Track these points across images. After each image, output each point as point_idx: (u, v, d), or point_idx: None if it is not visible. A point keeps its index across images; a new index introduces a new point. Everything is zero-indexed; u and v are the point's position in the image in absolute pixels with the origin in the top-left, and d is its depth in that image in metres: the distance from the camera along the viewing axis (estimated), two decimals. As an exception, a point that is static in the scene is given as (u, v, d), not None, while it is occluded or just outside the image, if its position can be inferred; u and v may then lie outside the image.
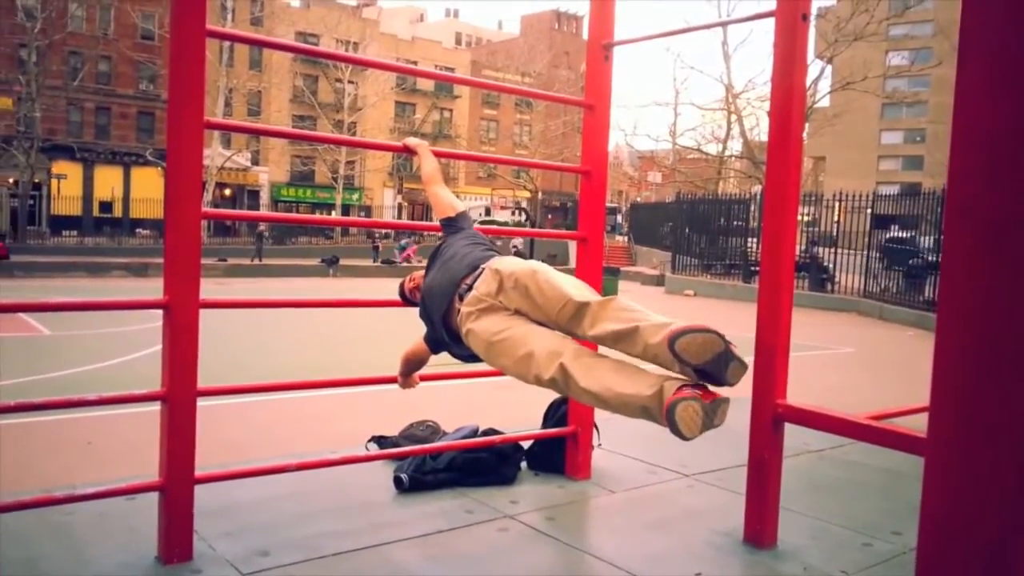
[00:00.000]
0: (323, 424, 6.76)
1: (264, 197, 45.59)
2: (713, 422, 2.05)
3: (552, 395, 3.93)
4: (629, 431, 4.53)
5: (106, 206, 39.28)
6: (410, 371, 3.02)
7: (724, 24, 32.61)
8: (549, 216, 55.31)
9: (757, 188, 28.42)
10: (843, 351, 13.22)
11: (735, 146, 35.37)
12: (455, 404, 5.97)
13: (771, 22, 3.12)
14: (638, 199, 59.24)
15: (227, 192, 42.71)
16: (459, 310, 2.49)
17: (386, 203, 49.63)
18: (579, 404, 3.82)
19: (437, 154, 3.29)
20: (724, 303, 20.64)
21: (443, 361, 2.89)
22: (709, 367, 2.05)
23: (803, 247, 21.59)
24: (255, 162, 45.18)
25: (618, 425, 4.53)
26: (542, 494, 3.77)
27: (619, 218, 52.00)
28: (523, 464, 4.08)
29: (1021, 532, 1.34)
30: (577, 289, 2.33)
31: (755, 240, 22.62)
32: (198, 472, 2.88)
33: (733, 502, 3.47)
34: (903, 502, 3.73)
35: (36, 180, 35.07)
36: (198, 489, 2.87)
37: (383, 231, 38.35)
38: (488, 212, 47.85)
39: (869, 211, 20.36)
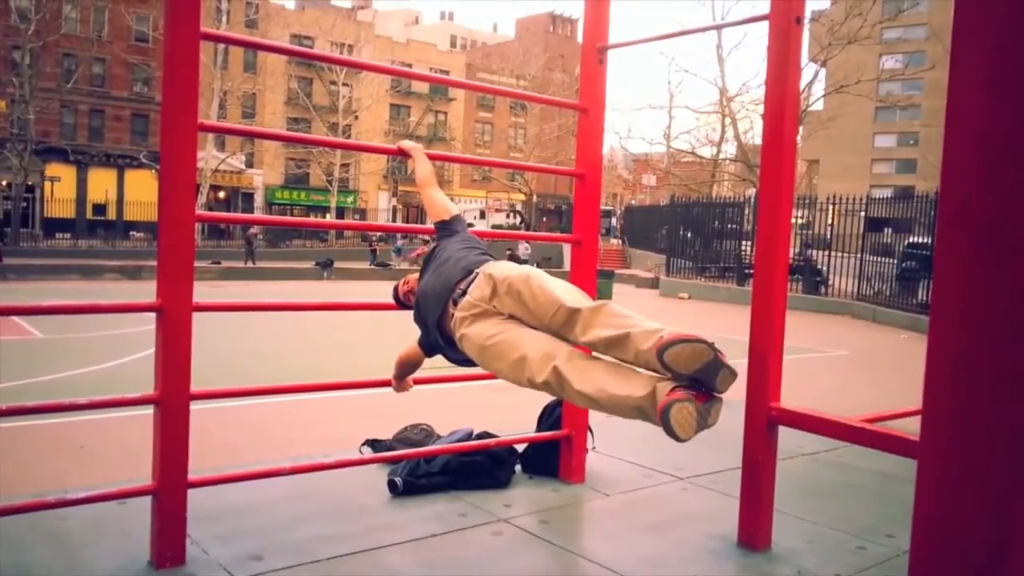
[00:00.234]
0: (317, 427, 6.75)
1: (258, 200, 45.48)
2: (707, 422, 2.08)
3: (546, 398, 3.93)
4: (623, 434, 4.54)
5: (100, 208, 39.10)
6: (404, 374, 3.02)
7: (718, 27, 32.62)
8: (544, 219, 55.39)
9: (751, 191, 28.46)
10: (837, 354, 13.25)
11: (729, 149, 35.49)
12: (449, 407, 5.96)
13: (765, 26, 3.13)
14: (633, 202, 59.34)
15: (221, 195, 42.60)
16: (453, 314, 2.49)
17: (381, 206, 49.59)
18: (573, 407, 3.82)
19: (432, 157, 3.30)
20: (718, 306, 20.69)
21: (437, 364, 2.89)
22: (699, 376, 2.07)
23: (797, 250, 21.63)
24: (249, 165, 45.08)
25: (612, 428, 4.54)
26: (536, 497, 3.77)
27: (614, 221, 52.04)
28: (517, 467, 4.07)
29: (1014, 534, 1.34)
30: (569, 295, 2.34)
31: (749, 243, 22.66)
32: (191, 476, 2.87)
33: (727, 505, 3.47)
34: (897, 505, 3.73)
35: (29, 182, 34.90)
36: (191, 493, 2.87)
37: (379, 234, 38.29)
38: (483, 215, 47.86)
39: (863, 214, 20.43)
